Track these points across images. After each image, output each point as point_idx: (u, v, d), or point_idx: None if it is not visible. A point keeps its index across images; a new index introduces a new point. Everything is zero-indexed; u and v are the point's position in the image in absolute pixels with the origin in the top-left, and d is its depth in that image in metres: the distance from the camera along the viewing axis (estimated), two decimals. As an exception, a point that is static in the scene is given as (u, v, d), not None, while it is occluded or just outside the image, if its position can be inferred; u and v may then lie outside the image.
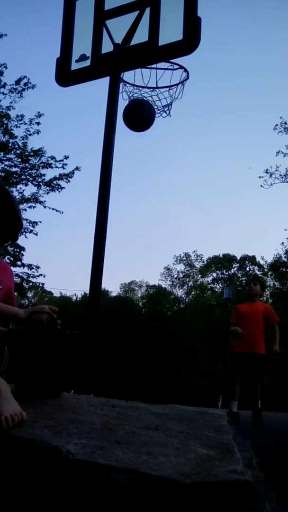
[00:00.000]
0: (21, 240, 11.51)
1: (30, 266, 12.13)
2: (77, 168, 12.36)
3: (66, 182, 12.29)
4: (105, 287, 37.73)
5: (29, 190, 15.67)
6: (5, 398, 1.48)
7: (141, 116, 4.49)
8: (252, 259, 38.73)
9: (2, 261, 2.17)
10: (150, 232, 58.32)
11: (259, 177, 18.75)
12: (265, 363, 5.18)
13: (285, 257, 22.17)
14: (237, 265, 39.74)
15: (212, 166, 56.13)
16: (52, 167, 12.28)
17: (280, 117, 20.89)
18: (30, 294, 35.83)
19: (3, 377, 1.68)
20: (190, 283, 40.33)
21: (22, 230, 2.16)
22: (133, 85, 5.22)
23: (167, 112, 5.29)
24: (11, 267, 2.38)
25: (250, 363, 5.02)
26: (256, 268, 38.53)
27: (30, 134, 12.24)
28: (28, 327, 1.79)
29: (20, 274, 12.08)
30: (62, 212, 12.23)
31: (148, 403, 2.04)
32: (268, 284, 36.25)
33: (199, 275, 40.36)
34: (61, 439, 1.30)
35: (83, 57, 4.56)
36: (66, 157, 12.30)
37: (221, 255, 39.49)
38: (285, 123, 18.11)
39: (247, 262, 39.45)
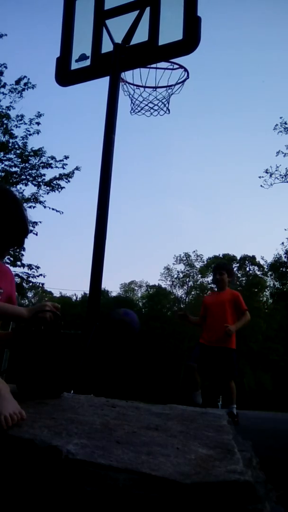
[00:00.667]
0: (22, 240, 11.49)
1: (30, 266, 12.15)
2: (77, 168, 12.39)
3: (66, 182, 12.31)
4: (105, 287, 37.78)
5: (29, 190, 15.69)
6: (4, 398, 1.48)
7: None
8: (252, 259, 38.75)
9: (3, 265, 2.16)
10: (150, 232, 58.37)
11: (259, 177, 18.79)
12: (234, 357, 4.76)
13: (285, 257, 22.19)
14: (237, 265, 39.75)
15: (212, 166, 56.20)
16: (52, 167, 12.30)
17: (280, 117, 20.91)
18: (30, 294, 35.86)
19: (3, 377, 1.68)
20: (190, 283, 40.36)
21: (28, 235, 2.17)
22: (133, 84, 5.23)
23: (165, 109, 5.29)
24: (12, 268, 2.37)
25: (217, 359, 4.65)
26: (256, 268, 38.56)
27: (30, 134, 12.26)
28: (32, 326, 1.79)
29: (20, 274, 12.09)
30: (62, 212, 12.26)
31: (148, 403, 2.04)
32: (268, 284, 36.39)
33: (199, 275, 40.39)
34: (61, 439, 1.30)
35: (83, 57, 4.56)
36: (66, 157, 12.33)
37: (221, 255, 39.51)
38: (285, 123, 18.15)
39: (247, 262, 39.48)
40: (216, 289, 5.23)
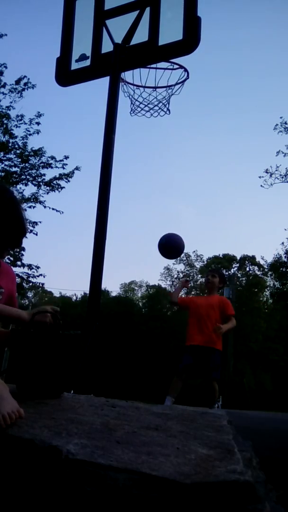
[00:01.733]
0: (21, 240, 11.50)
1: (30, 266, 12.16)
2: (77, 168, 12.40)
3: (66, 182, 12.33)
4: (105, 287, 37.74)
5: (29, 190, 15.70)
6: (2, 397, 1.48)
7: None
8: (252, 259, 38.72)
9: (5, 264, 2.15)
10: (150, 232, 58.30)
11: (259, 177, 18.80)
12: (219, 358, 4.86)
13: (285, 257, 22.20)
14: (237, 265, 39.74)
15: (212, 166, 56.14)
16: (52, 167, 12.31)
17: (280, 117, 20.95)
18: (30, 294, 35.85)
19: (3, 377, 1.68)
20: (190, 283, 40.36)
21: (26, 236, 2.16)
22: (133, 84, 5.23)
23: (165, 110, 5.29)
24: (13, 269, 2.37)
25: (204, 359, 4.76)
26: (256, 268, 38.55)
27: (30, 134, 12.27)
28: (31, 328, 1.79)
29: (20, 274, 12.09)
30: (62, 212, 12.27)
31: (148, 403, 2.04)
32: (268, 284, 36.40)
33: (199, 275, 40.37)
34: (61, 439, 1.30)
35: (83, 57, 4.56)
36: (66, 157, 12.34)
37: (221, 255, 39.49)
38: (285, 123, 18.16)
39: (247, 262, 39.45)
40: (206, 292, 5.27)
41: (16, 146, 12.30)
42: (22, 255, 12.14)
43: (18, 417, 1.42)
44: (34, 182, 12.43)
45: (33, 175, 12.40)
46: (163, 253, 4.67)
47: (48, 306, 1.88)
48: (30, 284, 13.39)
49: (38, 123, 12.31)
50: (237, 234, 55.99)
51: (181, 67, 5.08)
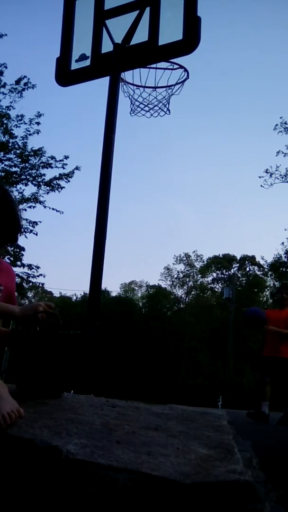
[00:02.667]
0: (21, 240, 11.51)
1: (30, 266, 12.13)
2: (77, 168, 12.37)
3: (66, 182, 12.30)
4: (105, 287, 37.69)
5: (29, 190, 15.65)
6: (2, 397, 1.48)
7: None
8: (252, 259, 38.70)
9: (4, 262, 2.15)
10: (150, 232, 58.32)
11: (259, 177, 18.81)
12: None
13: (285, 257, 22.22)
14: (237, 265, 39.73)
15: (212, 166, 56.13)
16: (52, 167, 12.28)
17: (280, 117, 20.91)
18: (30, 294, 35.82)
19: (3, 377, 1.68)
20: (190, 283, 40.33)
21: (21, 232, 2.15)
22: (133, 84, 5.23)
23: (165, 110, 5.30)
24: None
25: (277, 368, 5.16)
26: (256, 268, 38.54)
27: (30, 134, 12.25)
28: (25, 325, 1.79)
29: (20, 274, 12.08)
30: (62, 212, 12.24)
31: (148, 403, 2.04)
32: (268, 284, 36.40)
33: (199, 275, 40.36)
34: (61, 439, 1.30)
35: (83, 57, 4.56)
36: (66, 157, 12.31)
37: (221, 255, 39.47)
38: (285, 123, 18.15)
39: (247, 262, 39.43)
40: (278, 306, 5.57)
41: (16, 146, 12.29)
42: (22, 255, 12.13)
43: (18, 417, 1.42)
44: (34, 182, 12.41)
45: (33, 175, 12.38)
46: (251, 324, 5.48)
47: (42, 302, 1.87)
48: (30, 284, 13.38)
49: (38, 123, 12.30)
50: (237, 234, 56.01)
51: (181, 67, 5.08)
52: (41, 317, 1.80)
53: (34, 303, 1.89)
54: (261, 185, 18.84)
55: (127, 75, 5.08)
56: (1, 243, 2.02)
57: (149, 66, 4.93)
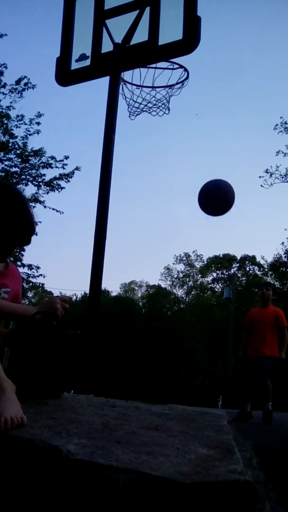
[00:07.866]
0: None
1: (30, 266, 12.17)
2: (77, 168, 12.39)
3: (66, 182, 12.32)
4: (105, 287, 37.68)
5: (29, 190, 15.61)
6: (8, 399, 1.46)
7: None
8: (252, 259, 38.72)
9: (12, 265, 2.16)
10: (150, 232, 58.36)
11: (259, 177, 18.82)
12: (272, 362, 5.16)
13: (285, 257, 22.23)
14: (237, 265, 39.74)
15: (212, 166, 56.10)
16: (52, 167, 12.31)
17: (280, 117, 20.89)
18: (30, 294, 35.83)
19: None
20: (190, 283, 40.35)
21: (36, 233, 2.16)
22: (133, 84, 5.23)
23: (165, 109, 5.30)
24: None
25: (259, 367, 5.11)
26: (256, 268, 38.54)
27: (30, 134, 12.27)
28: (31, 327, 1.78)
29: (20, 275, 12.10)
30: (62, 212, 12.26)
31: (148, 403, 2.04)
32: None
33: (199, 275, 40.37)
34: (61, 439, 1.29)
35: (83, 57, 4.56)
36: (66, 157, 12.34)
37: (221, 255, 39.48)
38: (285, 123, 18.18)
39: (247, 262, 39.45)
40: (260, 305, 5.51)
41: (16, 146, 12.31)
42: (22, 255, 12.15)
43: (20, 424, 1.39)
44: (34, 182, 12.44)
45: (33, 175, 12.41)
46: (207, 203, 3.54)
47: (57, 299, 1.85)
48: (30, 284, 13.40)
49: (38, 123, 12.32)
50: (237, 234, 56.03)
51: (181, 66, 5.09)
52: (61, 314, 1.79)
53: (50, 300, 1.88)
54: (261, 185, 18.87)
55: (126, 75, 5.09)
56: (16, 245, 2.01)
57: (149, 66, 4.93)
